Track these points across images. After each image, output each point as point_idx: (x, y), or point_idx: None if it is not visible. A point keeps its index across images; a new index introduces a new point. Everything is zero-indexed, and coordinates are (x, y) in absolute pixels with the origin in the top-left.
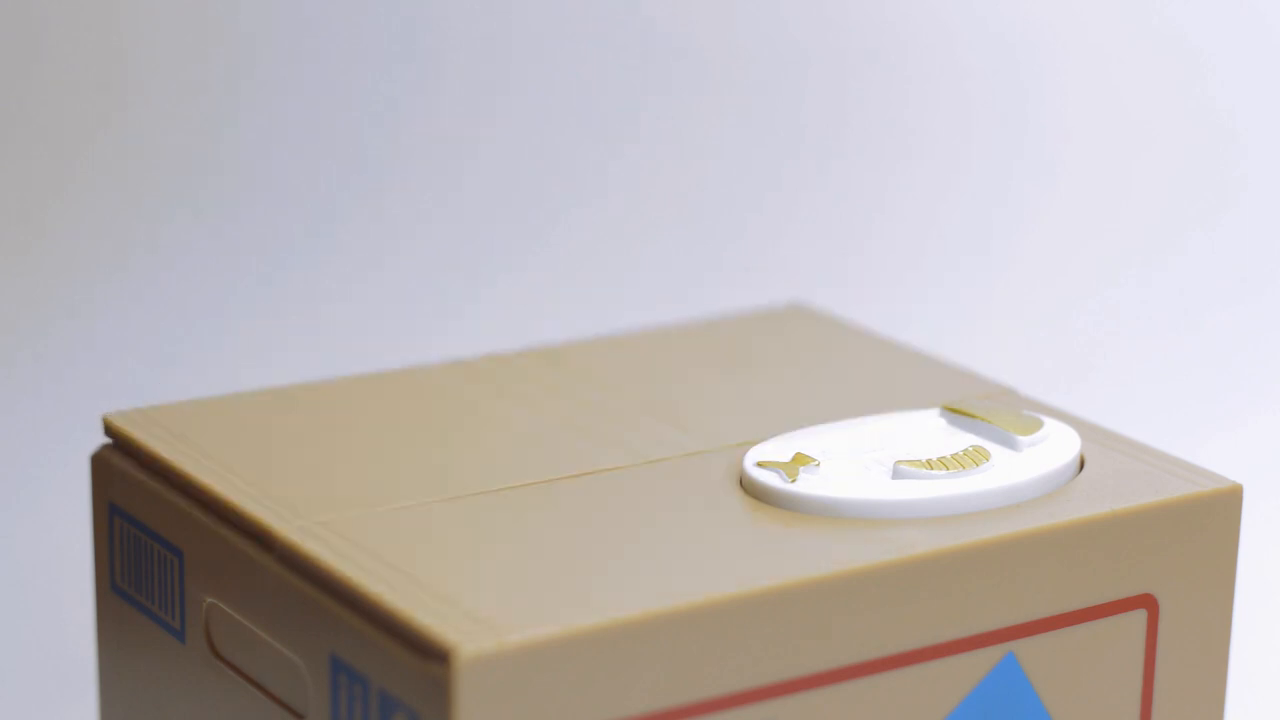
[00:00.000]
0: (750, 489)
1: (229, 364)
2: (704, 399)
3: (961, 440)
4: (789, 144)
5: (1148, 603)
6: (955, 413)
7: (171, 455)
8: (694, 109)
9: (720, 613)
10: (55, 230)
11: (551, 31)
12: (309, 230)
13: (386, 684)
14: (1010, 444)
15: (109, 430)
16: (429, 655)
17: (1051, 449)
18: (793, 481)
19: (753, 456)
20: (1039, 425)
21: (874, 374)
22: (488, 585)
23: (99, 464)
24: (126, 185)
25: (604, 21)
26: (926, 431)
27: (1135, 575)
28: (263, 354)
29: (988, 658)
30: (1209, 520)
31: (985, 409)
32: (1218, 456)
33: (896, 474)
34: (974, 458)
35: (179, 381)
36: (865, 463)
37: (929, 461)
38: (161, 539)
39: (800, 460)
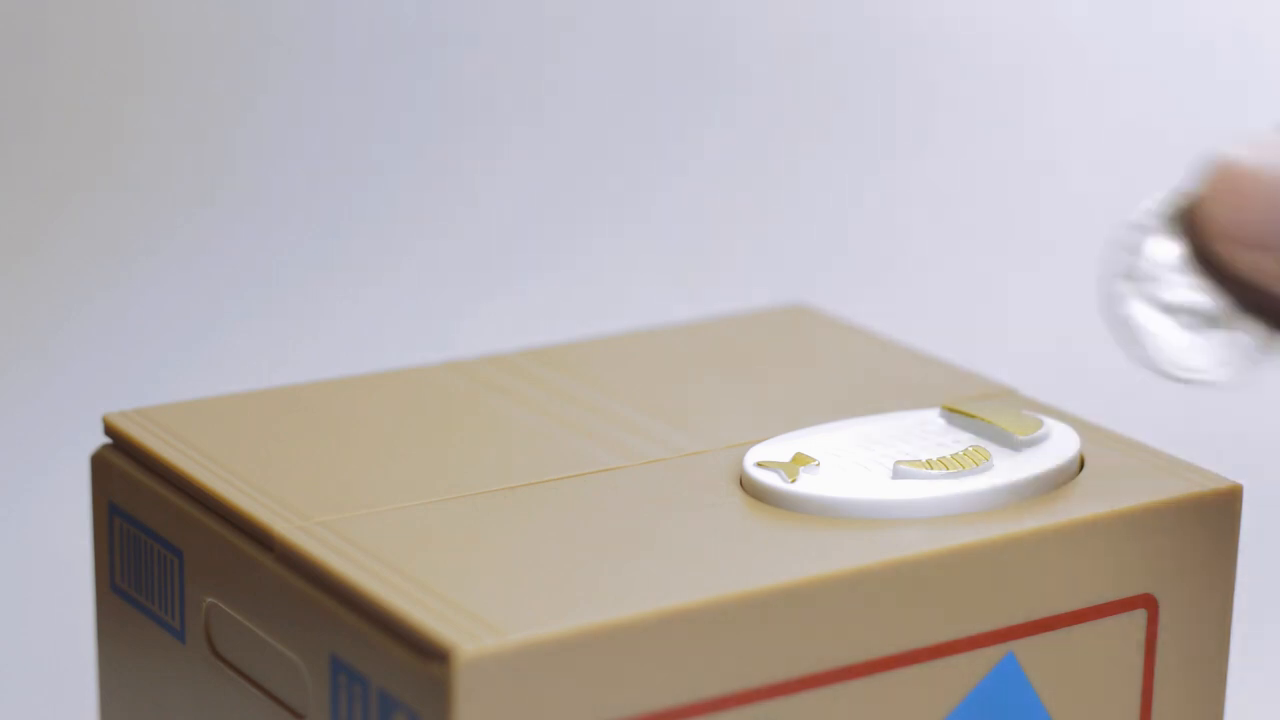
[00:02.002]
0: (750, 489)
1: (229, 364)
2: (704, 399)
3: (961, 440)
4: (790, 143)
5: (1148, 603)
6: (955, 413)
7: (171, 455)
8: (694, 108)
9: (720, 613)
10: (56, 231)
11: (550, 31)
12: (309, 231)
13: (386, 684)
14: (1010, 444)
15: (109, 430)
16: (429, 655)
17: (1051, 449)
18: (793, 481)
19: (753, 456)
20: (1039, 425)
21: (874, 374)
22: (488, 585)
23: (99, 464)
24: (127, 186)
25: (604, 21)
26: (926, 431)
27: (1135, 575)
28: (264, 354)
29: (988, 658)
30: (1209, 520)
31: (985, 409)
32: (1218, 456)
33: (896, 474)
34: (974, 458)
35: (179, 381)
36: (865, 463)
37: (929, 461)
38: (161, 539)
39: (800, 460)
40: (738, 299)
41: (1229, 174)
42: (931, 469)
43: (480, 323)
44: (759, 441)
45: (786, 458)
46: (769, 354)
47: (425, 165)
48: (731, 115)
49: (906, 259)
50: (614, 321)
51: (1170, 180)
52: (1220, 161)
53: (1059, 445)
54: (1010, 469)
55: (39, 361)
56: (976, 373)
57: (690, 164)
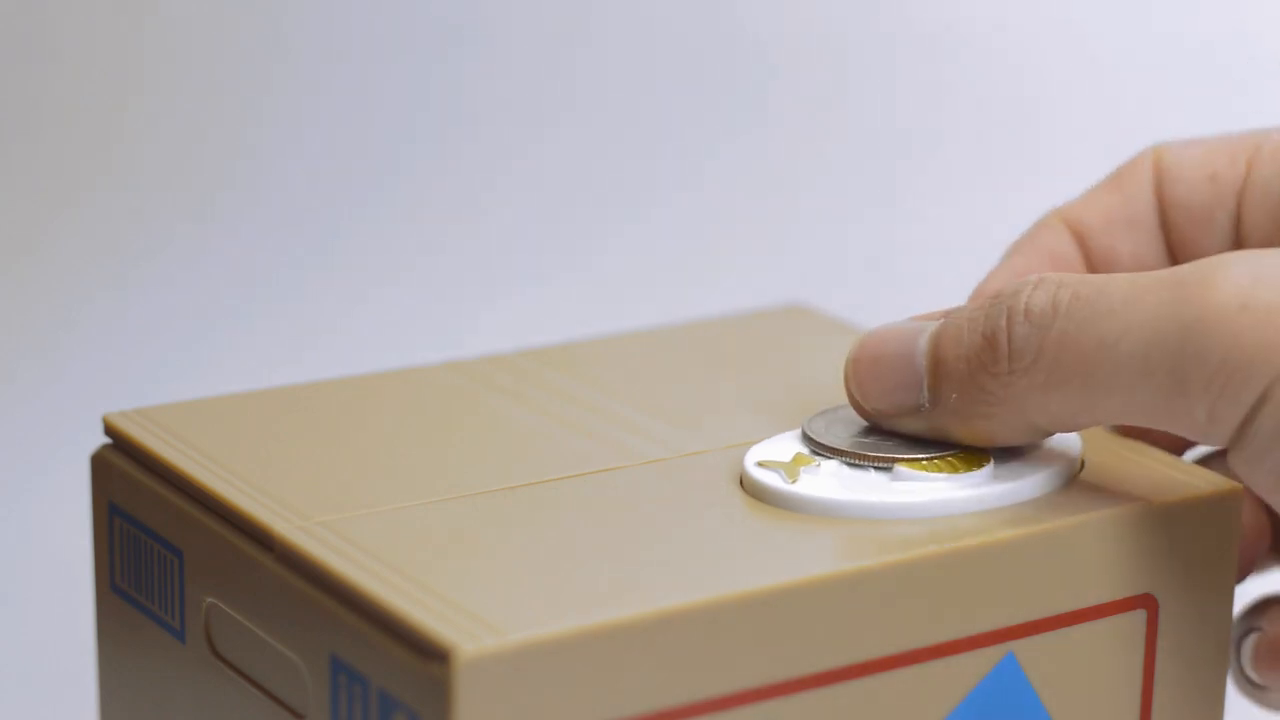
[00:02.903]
0: (750, 489)
1: (229, 364)
2: (704, 399)
3: None
4: (789, 143)
5: (1148, 603)
6: None
7: (171, 455)
8: (694, 108)
9: (720, 613)
10: (56, 231)
11: (548, 30)
12: (309, 232)
13: (386, 684)
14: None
15: (109, 430)
16: (429, 655)
17: (1051, 449)
18: (793, 482)
19: (753, 456)
20: None
21: None
22: (488, 585)
23: (99, 464)
24: (127, 186)
25: (602, 20)
26: None
27: (1135, 575)
28: (264, 355)
29: (988, 658)
30: (1209, 520)
31: None
32: None
33: (896, 475)
34: (974, 458)
35: (179, 381)
36: (865, 463)
37: (928, 463)
38: (161, 539)
39: (800, 460)
40: (738, 299)
41: (853, 361)
42: (931, 470)
43: (481, 323)
44: (759, 441)
45: (786, 458)
46: (769, 354)
47: (426, 166)
48: (731, 116)
49: (906, 259)
50: (614, 321)
51: None
52: (850, 350)
53: (1059, 445)
54: (1010, 470)
55: (39, 361)
56: None
57: (690, 164)
